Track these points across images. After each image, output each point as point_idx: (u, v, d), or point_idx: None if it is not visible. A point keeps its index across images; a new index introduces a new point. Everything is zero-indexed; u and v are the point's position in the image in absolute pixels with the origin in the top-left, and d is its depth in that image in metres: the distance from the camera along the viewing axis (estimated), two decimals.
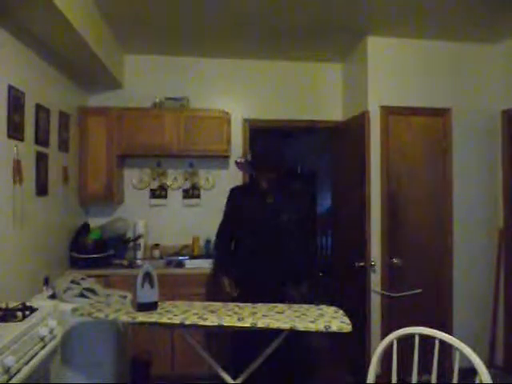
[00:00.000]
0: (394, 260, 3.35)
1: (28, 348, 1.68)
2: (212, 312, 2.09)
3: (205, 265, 3.60)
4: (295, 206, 2.78)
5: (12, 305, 1.91)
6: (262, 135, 4.11)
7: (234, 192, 2.85)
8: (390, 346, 1.77)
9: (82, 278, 2.65)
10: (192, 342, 2.21)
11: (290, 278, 2.72)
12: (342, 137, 3.88)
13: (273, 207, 2.71)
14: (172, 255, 3.79)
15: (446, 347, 1.77)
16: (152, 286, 2.12)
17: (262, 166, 2.70)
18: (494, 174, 3.55)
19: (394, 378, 1.79)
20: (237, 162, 2.82)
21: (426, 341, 1.74)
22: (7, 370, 1.47)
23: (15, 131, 2.36)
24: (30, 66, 2.62)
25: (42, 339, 1.80)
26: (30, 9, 2.15)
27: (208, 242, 3.81)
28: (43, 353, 1.78)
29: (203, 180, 3.99)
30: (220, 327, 1.96)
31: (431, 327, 1.74)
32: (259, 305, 2.27)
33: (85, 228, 3.57)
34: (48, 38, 2.57)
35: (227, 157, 3.89)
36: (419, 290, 3.33)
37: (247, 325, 1.92)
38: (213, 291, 3.28)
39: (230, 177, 3.89)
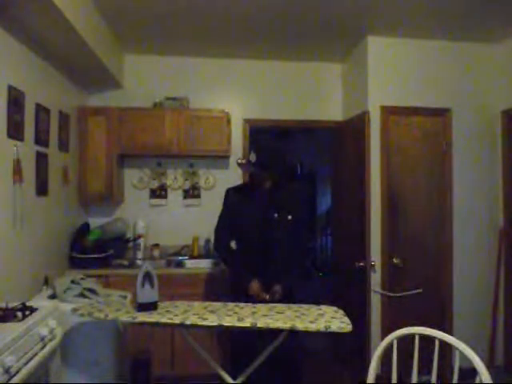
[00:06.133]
0: (394, 260, 3.36)
1: (28, 348, 1.68)
2: (212, 312, 2.09)
3: (205, 265, 3.62)
4: (294, 207, 2.77)
5: (12, 305, 1.91)
6: (263, 135, 4.11)
7: (231, 193, 2.83)
8: (390, 346, 1.77)
9: (82, 278, 2.64)
10: (192, 342, 2.21)
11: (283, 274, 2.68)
12: (342, 137, 3.88)
13: (273, 208, 2.70)
14: (172, 255, 3.79)
15: (446, 347, 1.77)
16: (152, 286, 2.12)
17: (266, 168, 2.67)
18: (494, 174, 3.55)
19: (394, 378, 1.79)
20: (239, 163, 2.78)
21: (426, 341, 1.74)
22: (7, 370, 1.47)
23: (15, 131, 2.36)
24: (30, 66, 2.62)
25: (42, 339, 1.80)
26: (30, 9, 2.15)
27: (208, 241, 3.81)
28: (43, 353, 1.77)
29: (203, 180, 4.00)
30: (220, 327, 1.96)
31: (431, 327, 1.74)
32: (259, 305, 2.27)
33: (85, 228, 3.57)
34: (48, 37, 2.57)
35: (227, 157, 3.89)
36: (419, 290, 3.34)
37: (247, 325, 1.92)
38: (213, 291, 3.29)
39: (230, 177, 3.89)
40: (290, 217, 2.70)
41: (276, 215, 2.69)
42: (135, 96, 3.87)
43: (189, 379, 3.20)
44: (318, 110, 4.10)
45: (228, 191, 2.83)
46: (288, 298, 2.55)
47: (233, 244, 2.82)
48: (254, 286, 2.59)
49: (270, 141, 2.95)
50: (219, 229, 2.81)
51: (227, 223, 2.78)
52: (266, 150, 2.72)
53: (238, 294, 2.64)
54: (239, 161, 2.80)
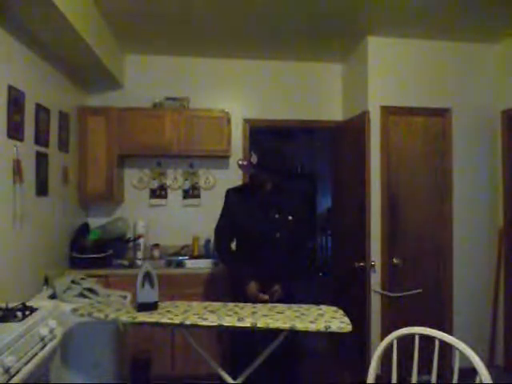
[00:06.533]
0: (394, 260, 3.36)
1: (28, 348, 1.68)
2: (212, 312, 2.09)
3: (205, 265, 3.61)
4: (295, 207, 2.77)
5: (12, 305, 1.91)
6: (264, 136, 4.10)
7: (231, 194, 2.82)
8: (390, 346, 1.77)
9: (82, 278, 2.64)
10: (192, 342, 2.21)
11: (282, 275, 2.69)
12: (342, 137, 3.88)
13: (274, 209, 2.70)
14: (172, 255, 3.79)
15: (446, 347, 1.77)
16: (152, 286, 2.12)
17: (267, 169, 2.65)
18: (494, 173, 3.55)
19: (394, 378, 1.79)
20: (240, 165, 2.77)
21: (426, 341, 1.74)
22: (7, 370, 1.47)
23: (15, 131, 2.36)
24: (30, 66, 2.62)
25: (42, 339, 1.80)
26: (30, 9, 2.15)
27: (208, 241, 3.81)
28: (43, 353, 1.78)
29: (203, 180, 4.00)
30: (220, 327, 1.96)
31: (431, 327, 1.74)
32: (259, 305, 2.27)
33: (85, 228, 3.57)
34: (48, 37, 2.57)
35: (227, 157, 3.90)
36: (419, 290, 3.34)
37: (247, 325, 1.92)
38: (213, 291, 3.29)
39: (230, 177, 3.89)
40: (290, 217, 2.70)
41: (277, 216, 2.68)
42: (135, 96, 3.87)
43: (189, 379, 3.20)
44: (318, 109, 4.10)
45: (228, 192, 2.83)
46: (288, 297, 2.55)
47: (233, 245, 2.82)
48: (252, 287, 2.58)
49: (272, 142, 2.94)
50: (219, 229, 2.81)
51: (227, 223, 2.77)
52: (267, 152, 2.70)
53: (238, 294, 2.64)
54: (240, 162, 2.78)
